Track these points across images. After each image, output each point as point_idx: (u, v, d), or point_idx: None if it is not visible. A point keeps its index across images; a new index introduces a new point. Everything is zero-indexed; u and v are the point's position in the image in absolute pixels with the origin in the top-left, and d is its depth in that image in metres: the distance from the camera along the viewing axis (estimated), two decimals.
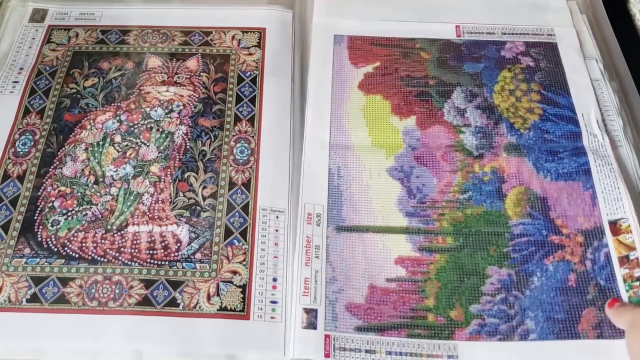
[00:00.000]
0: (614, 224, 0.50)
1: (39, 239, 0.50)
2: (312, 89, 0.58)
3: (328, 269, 0.49)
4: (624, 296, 0.47)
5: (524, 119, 0.56)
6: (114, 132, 0.56)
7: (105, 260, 0.49)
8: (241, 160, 0.54)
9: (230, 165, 0.54)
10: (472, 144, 0.55)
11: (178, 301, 0.47)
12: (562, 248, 0.50)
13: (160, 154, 0.54)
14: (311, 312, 0.47)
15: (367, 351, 0.45)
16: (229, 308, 0.47)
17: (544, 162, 0.54)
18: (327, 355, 0.45)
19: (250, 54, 0.61)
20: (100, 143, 0.55)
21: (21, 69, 0.59)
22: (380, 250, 0.50)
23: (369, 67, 0.60)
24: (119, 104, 0.57)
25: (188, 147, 0.55)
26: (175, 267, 0.48)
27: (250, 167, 0.54)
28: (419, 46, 0.62)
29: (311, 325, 0.46)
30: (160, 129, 0.56)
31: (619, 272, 0.48)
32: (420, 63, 0.60)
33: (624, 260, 0.49)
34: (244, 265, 0.49)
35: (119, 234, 0.50)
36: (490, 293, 0.48)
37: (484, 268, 0.49)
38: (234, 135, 0.55)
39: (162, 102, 0.57)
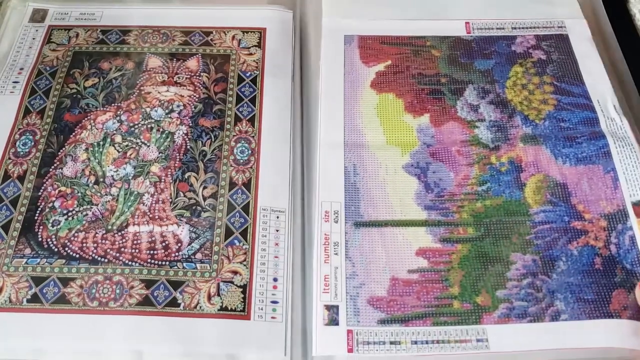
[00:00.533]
0: (637, 205, 0.50)
1: (40, 239, 0.50)
2: (324, 89, 0.58)
3: (348, 264, 0.49)
4: None
5: (538, 110, 0.56)
6: (115, 132, 0.56)
7: (106, 260, 0.49)
8: (241, 161, 0.54)
9: (231, 166, 0.54)
10: (487, 138, 0.55)
11: (179, 301, 0.47)
12: (586, 233, 0.49)
13: (160, 154, 0.54)
14: (332, 309, 0.46)
15: (391, 343, 0.45)
16: (229, 308, 0.47)
17: (561, 148, 0.53)
18: (350, 350, 0.45)
19: (251, 54, 0.61)
20: (101, 143, 0.55)
21: (21, 69, 0.59)
22: (401, 243, 0.50)
23: (380, 66, 0.60)
24: (119, 104, 0.57)
25: (188, 147, 0.55)
26: (175, 267, 0.48)
27: (251, 167, 0.54)
28: (430, 44, 0.62)
29: (333, 321, 0.46)
30: (161, 129, 0.56)
31: None
32: (431, 61, 0.60)
33: None
34: (244, 265, 0.49)
35: (119, 234, 0.50)
36: (516, 278, 0.47)
37: (507, 255, 0.49)
38: (234, 136, 0.56)
39: (162, 102, 0.57)
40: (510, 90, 0.58)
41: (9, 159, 0.54)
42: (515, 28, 0.63)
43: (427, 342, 0.45)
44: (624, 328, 0.45)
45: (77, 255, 0.49)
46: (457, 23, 0.63)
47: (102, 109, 0.57)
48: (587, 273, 0.47)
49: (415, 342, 0.45)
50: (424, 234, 0.50)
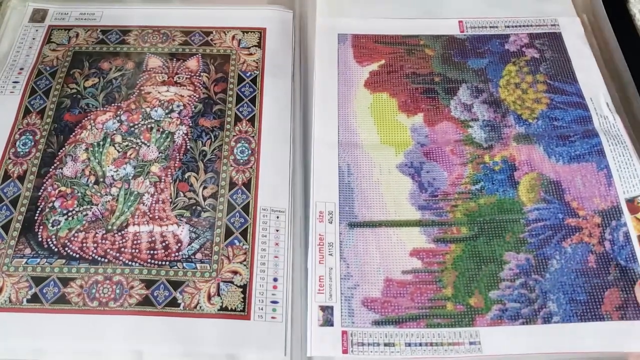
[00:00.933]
0: (631, 202, 0.50)
1: (40, 239, 0.50)
2: (318, 89, 0.58)
3: (342, 265, 0.48)
4: None
5: (532, 109, 0.56)
6: (115, 132, 0.56)
7: (106, 260, 0.49)
8: (241, 161, 0.54)
9: (231, 166, 0.54)
10: (481, 137, 0.55)
11: (179, 301, 0.47)
12: (580, 230, 0.49)
13: (160, 154, 0.54)
14: (327, 310, 0.46)
15: (385, 344, 0.45)
16: (229, 308, 0.47)
17: (554, 147, 0.54)
18: (345, 352, 0.45)
19: (251, 54, 0.61)
20: (101, 143, 0.55)
21: (21, 69, 0.59)
22: (395, 243, 0.50)
23: (374, 65, 0.60)
24: (119, 104, 0.57)
25: (188, 147, 0.55)
26: (175, 267, 0.49)
27: (251, 167, 0.54)
28: (423, 43, 0.62)
29: (328, 322, 0.46)
30: (161, 129, 0.56)
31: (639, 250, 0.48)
32: (425, 60, 0.60)
33: None
34: (244, 265, 0.49)
35: (119, 234, 0.50)
36: (509, 278, 0.47)
37: (501, 255, 0.49)
38: (234, 136, 0.56)
39: (162, 102, 0.57)
40: (503, 89, 0.58)
41: (9, 159, 0.54)
42: (508, 26, 0.63)
43: (420, 345, 0.45)
44: (614, 331, 0.45)
45: (77, 255, 0.49)
46: (450, 22, 0.63)
47: (102, 109, 0.57)
48: (580, 272, 0.47)
49: (409, 344, 0.45)
50: (418, 234, 0.50)
